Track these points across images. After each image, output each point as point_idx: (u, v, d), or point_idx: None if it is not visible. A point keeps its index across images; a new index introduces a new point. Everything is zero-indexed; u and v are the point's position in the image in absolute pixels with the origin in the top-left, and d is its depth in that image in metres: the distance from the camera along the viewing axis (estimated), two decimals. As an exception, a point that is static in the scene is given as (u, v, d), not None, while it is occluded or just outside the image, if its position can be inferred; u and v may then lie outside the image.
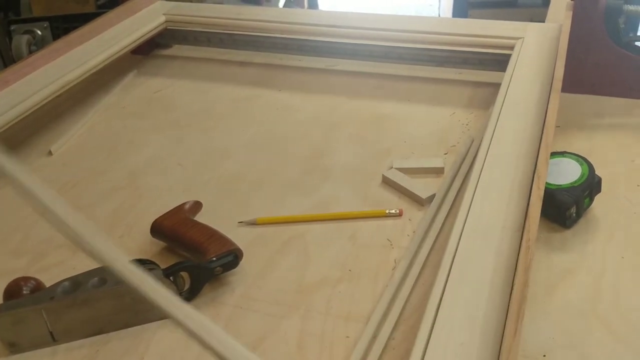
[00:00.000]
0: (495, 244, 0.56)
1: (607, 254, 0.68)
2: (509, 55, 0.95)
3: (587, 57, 0.97)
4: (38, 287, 0.62)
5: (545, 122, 0.70)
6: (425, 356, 0.48)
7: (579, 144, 0.85)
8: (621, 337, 0.58)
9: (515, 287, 0.50)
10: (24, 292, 0.61)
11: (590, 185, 0.72)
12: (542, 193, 0.59)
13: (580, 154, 0.76)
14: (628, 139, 0.87)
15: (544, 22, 1.04)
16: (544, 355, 0.57)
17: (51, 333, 0.60)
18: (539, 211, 0.56)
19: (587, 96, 0.98)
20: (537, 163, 0.64)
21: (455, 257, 0.56)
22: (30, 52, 1.54)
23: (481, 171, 0.67)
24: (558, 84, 0.77)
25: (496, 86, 0.94)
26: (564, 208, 0.70)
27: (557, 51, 0.90)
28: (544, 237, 0.70)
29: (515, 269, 0.52)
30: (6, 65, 1.68)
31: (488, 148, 0.71)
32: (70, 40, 1.05)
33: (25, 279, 0.62)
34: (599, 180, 0.73)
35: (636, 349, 0.57)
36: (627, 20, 1.12)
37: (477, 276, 0.53)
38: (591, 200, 0.73)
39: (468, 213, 0.60)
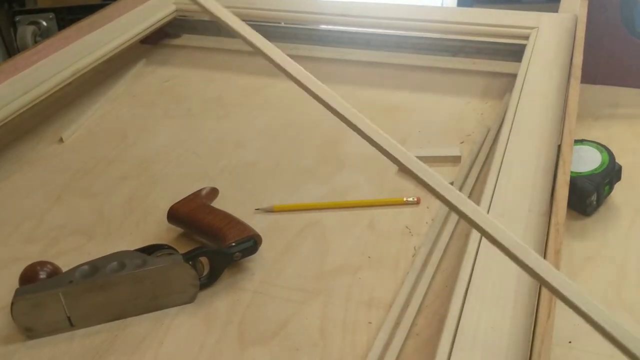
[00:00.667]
0: (521, 228, 0.56)
1: (628, 242, 0.67)
2: (523, 46, 0.95)
3: (602, 47, 0.97)
4: (55, 271, 0.61)
5: (567, 108, 0.70)
6: (455, 341, 0.47)
7: (595, 133, 0.85)
8: (646, 324, 0.58)
9: (546, 270, 0.49)
10: (41, 276, 0.60)
11: (610, 173, 0.71)
12: (568, 177, 0.58)
13: (599, 142, 0.75)
14: (645, 128, 0.86)
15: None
16: (570, 342, 0.56)
17: (69, 318, 0.59)
18: (567, 194, 0.56)
19: (601, 87, 0.98)
20: (562, 148, 0.63)
21: (482, 241, 0.55)
22: (36, 43, 1.53)
23: (503, 157, 0.66)
24: (578, 71, 0.76)
25: (510, 76, 0.93)
26: (584, 195, 0.70)
27: (572, 41, 0.89)
28: (564, 225, 0.69)
29: (545, 252, 0.52)
30: (11, 56, 1.67)
31: (509, 135, 0.70)
32: (80, 28, 1.04)
33: (42, 264, 0.61)
34: (619, 168, 0.72)
35: (662, 336, 0.56)
36: (639, 12, 1.11)
37: (504, 260, 0.53)
38: (611, 188, 0.73)
39: (492, 198, 0.60)
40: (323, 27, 1.17)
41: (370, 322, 0.59)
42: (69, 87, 0.95)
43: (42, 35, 1.56)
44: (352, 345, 0.56)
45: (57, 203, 0.78)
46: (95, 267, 0.59)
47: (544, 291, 0.47)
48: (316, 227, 0.72)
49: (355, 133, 0.88)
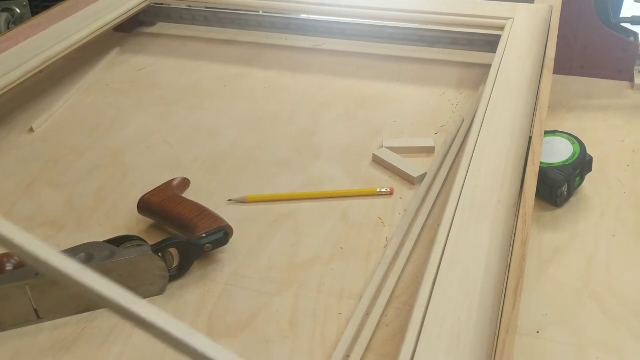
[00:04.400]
0: (490, 219, 0.56)
1: (598, 233, 0.68)
2: (498, 37, 0.95)
3: (577, 38, 0.97)
4: (22, 263, 0.60)
5: (539, 100, 0.70)
6: (422, 331, 0.47)
7: (568, 124, 0.85)
8: (613, 314, 0.58)
9: (513, 261, 0.49)
10: (7, 268, 0.59)
11: (581, 164, 0.72)
12: (537, 168, 0.58)
13: (571, 133, 0.75)
14: (617, 119, 0.87)
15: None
16: (538, 332, 0.56)
17: (36, 310, 0.58)
18: (535, 186, 0.56)
19: (575, 78, 0.98)
20: (532, 139, 0.63)
21: (451, 232, 0.55)
22: (7, 31, 1.50)
23: (474, 148, 0.66)
24: (550, 62, 0.76)
25: (485, 67, 0.93)
26: (555, 186, 0.70)
27: (547, 32, 0.89)
28: (535, 216, 0.70)
29: (512, 243, 0.52)
30: (-17, 43, 1.63)
31: (481, 126, 0.70)
32: (51, 15, 1.02)
33: (8, 255, 0.60)
34: (590, 159, 0.73)
35: (628, 326, 0.57)
36: (613, 3, 1.12)
37: (472, 251, 0.53)
38: (582, 179, 0.73)
39: (462, 189, 0.60)
40: (300, 16, 1.16)
41: (340, 313, 0.59)
42: (40, 75, 0.93)
43: (16, 22, 1.53)
44: (322, 336, 0.56)
45: (26, 194, 0.76)
46: (62, 259, 0.58)
47: (511, 282, 0.47)
48: (289, 218, 0.71)
49: (329, 124, 0.88)
